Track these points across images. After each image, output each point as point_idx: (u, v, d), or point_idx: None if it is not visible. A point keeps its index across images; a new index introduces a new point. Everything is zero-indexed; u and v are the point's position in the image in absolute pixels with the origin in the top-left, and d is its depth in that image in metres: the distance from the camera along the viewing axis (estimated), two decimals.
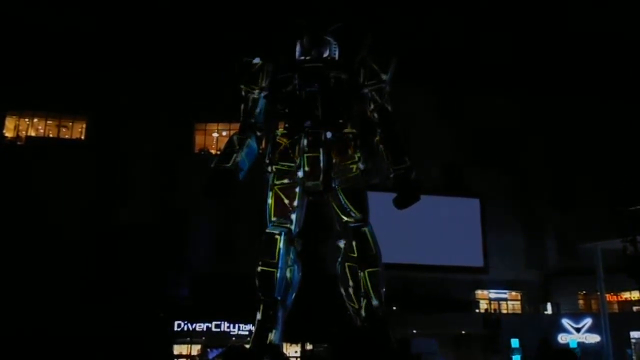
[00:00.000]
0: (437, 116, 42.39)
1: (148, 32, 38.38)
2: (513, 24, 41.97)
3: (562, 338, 38.28)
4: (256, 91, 10.97)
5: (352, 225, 10.32)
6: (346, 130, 10.79)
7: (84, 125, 42.07)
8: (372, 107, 10.73)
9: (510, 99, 43.37)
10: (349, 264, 10.27)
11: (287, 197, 10.46)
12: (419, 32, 39.89)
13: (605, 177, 41.26)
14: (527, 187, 44.10)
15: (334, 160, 10.43)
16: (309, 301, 13.06)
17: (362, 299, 10.07)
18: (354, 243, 10.20)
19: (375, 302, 9.99)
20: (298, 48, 11.13)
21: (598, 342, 37.92)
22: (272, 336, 9.96)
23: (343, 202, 10.46)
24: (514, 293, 45.34)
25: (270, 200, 10.55)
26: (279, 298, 10.11)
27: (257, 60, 11.12)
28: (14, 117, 42.00)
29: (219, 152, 11.02)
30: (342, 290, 10.50)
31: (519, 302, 45.39)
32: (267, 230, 10.33)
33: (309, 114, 10.54)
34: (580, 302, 44.57)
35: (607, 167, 41.36)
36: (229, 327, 34.85)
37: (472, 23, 41.56)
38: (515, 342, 36.47)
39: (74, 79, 38.42)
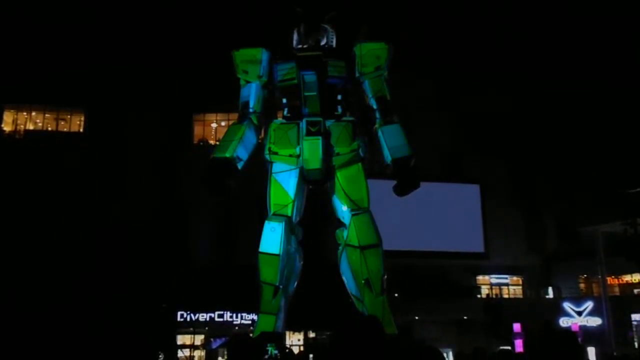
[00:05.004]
0: (435, 103, 42.26)
1: (145, 24, 38.19)
2: (509, 7, 41.78)
3: (563, 322, 38.41)
4: (254, 80, 10.97)
5: (353, 212, 10.35)
6: (345, 118, 10.80)
7: (82, 118, 41.95)
8: (370, 94, 10.74)
9: (508, 84, 43.23)
10: (349, 251, 10.32)
11: (287, 186, 10.50)
12: (414, 17, 39.72)
13: (605, 161, 41.24)
14: (526, 171, 44.07)
15: (333, 148, 10.45)
16: (311, 289, 13.13)
17: (363, 285, 10.13)
18: (354, 230, 10.24)
19: (376, 289, 10.05)
20: (295, 36, 11.12)
21: (599, 325, 38.07)
22: (275, 324, 10.04)
23: (343, 190, 10.48)
24: (515, 278, 45.42)
25: (270, 190, 10.60)
26: (280, 286, 10.17)
27: (254, 50, 11.12)
28: (12, 111, 41.87)
29: (218, 143, 11.05)
30: (344, 278, 10.56)
31: (520, 287, 45.48)
32: (268, 219, 10.37)
33: (308, 103, 10.55)
34: (582, 285, 44.64)
35: (606, 151, 41.34)
36: (231, 317, 34.92)
37: (469, 9, 41.37)
38: (517, 327, 36.62)
39: (72, 72, 38.25)
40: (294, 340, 35.15)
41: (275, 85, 10.99)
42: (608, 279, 40.11)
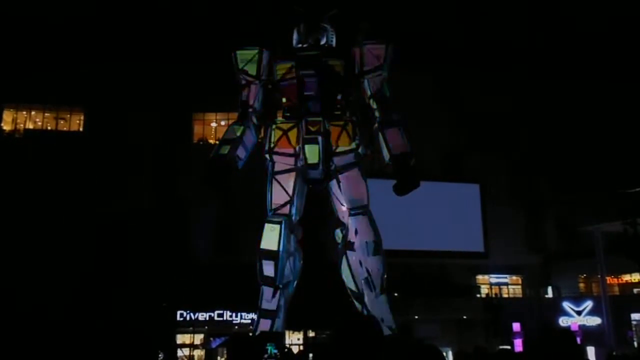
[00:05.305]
0: (435, 102, 42.24)
1: (145, 22, 38.15)
2: (511, 5, 41.74)
3: (563, 321, 38.42)
4: (254, 80, 10.96)
5: (352, 212, 10.35)
6: (345, 117, 10.78)
7: (82, 117, 41.94)
8: (370, 93, 10.72)
9: (509, 82, 43.23)
10: (349, 251, 10.32)
11: (286, 186, 10.49)
12: (414, 16, 39.69)
13: (605, 160, 41.22)
14: (526, 171, 44.04)
15: (333, 148, 10.43)
16: (310, 288, 13.12)
17: (363, 285, 10.13)
18: (354, 230, 10.23)
19: (376, 288, 10.05)
20: (295, 35, 11.10)
21: (599, 325, 38.06)
22: (275, 324, 10.04)
23: (343, 190, 10.48)
24: (514, 277, 45.41)
25: (270, 189, 10.59)
26: (280, 286, 10.17)
27: (254, 49, 11.10)
28: (12, 110, 41.84)
29: (217, 142, 11.04)
30: (344, 277, 10.56)
31: (519, 287, 45.46)
32: (268, 219, 10.36)
33: (307, 102, 10.53)
34: (581, 285, 44.62)
35: (607, 150, 41.32)
36: (231, 316, 34.93)
37: (469, 5, 41.32)
38: (516, 326, 36.66)
39: (71, 71, 38.23)
40: (294, 340, 35.17)
41: (275, 85, 10.98)
42: (608, 278, 40.08)
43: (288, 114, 10.82)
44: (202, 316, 34.72)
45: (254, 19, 32.90)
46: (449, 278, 40.96)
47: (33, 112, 42.28)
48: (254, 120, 10.87)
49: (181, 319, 34.49)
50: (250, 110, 10.86)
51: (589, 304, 39.29)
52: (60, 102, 41.18)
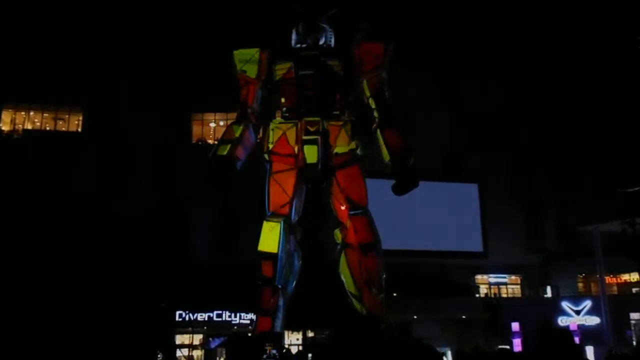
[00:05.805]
0: (435, 102, 42.27)
1: (144, 23, 38.14)
2: (510, 5, 41.75)
3: (561, 321, 38.42)
4: (253, 80, 10.96)
5: (351, 212, 10.34)
6: (344, 117, 10.79)
7: (81, 118, 41.91)
8: (368, 93, 10.70)
9: (508, 83, 43.27)
10: (348, 251, 10.31)
11: (285, 186, 10.48)
12: (414, 16, 39.69)
13: (604, 159, 41.26)
14: (525, 171, 44.07)
15: (331, 148, 10.43)
16: (309, 289, 13.12)
17: (362, 285, 10.13)
18: (353, 230, 10.22)
19: (374, 289, 10.05)
20: (294, 35, 11.11)
21: (598, 324, 38.07)
22: (274, 324, 10.03)
23: (342, 190, 10.47)
24: (513, 277, 45.40)
25: (269, 189, 10.57)
26: (279, 286, 10.16)
27: (253, 49, 11.11)
28: (10, 110, 41.78)
29: (216, 142, 11.04)
30: (342, 277, 10.55)
31: (518, 286, 45.46)
32: (267, 219, 10.35)
33: (306, 102, 10.54)
34: (580, 284, 44.62)
35: (605, 149, 41.36)
36: (230, 317, 34.87)
37: (468, 5, 41.33)
38: (515, 326, 36.68)
39: (70, 71, 38.21)
40: (293, 340, 35.17)
41: (274, 85, 10.98)
42: (607, 278, 40.09)
43: (287, 114, 10.82)
44: (201, 316, 34.65)
45: (253, 19, 32.91)
46: (448, 278, 40.99)
47: (32, 113, 42.23)
48: (253, 120, 10.88)
49: (180, 319, 34.44)
50: (250, 110, 10.86)
51: (587, 304, 39.30)
52: (59, 102, 41.14)
